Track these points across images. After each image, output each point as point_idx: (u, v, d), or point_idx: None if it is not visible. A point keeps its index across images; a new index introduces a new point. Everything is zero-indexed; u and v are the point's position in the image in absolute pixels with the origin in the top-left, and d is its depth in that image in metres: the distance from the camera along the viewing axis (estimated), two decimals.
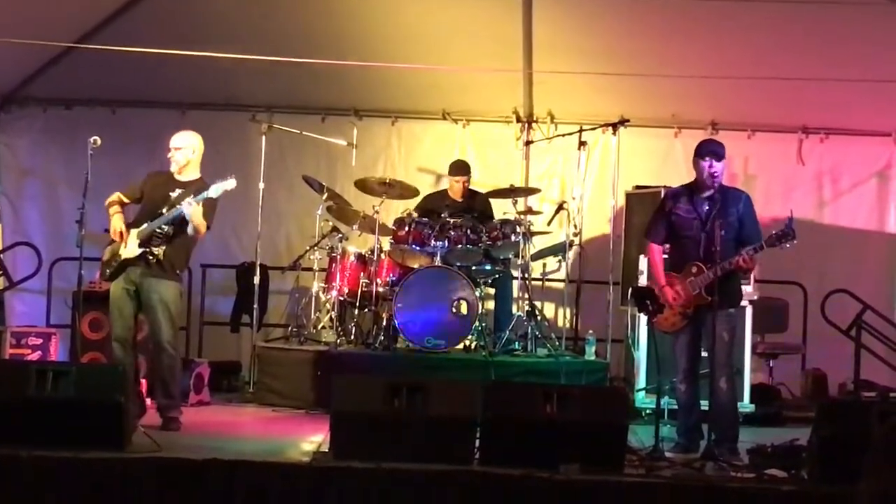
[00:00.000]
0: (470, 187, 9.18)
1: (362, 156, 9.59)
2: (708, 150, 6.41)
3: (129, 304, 6.91)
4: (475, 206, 9.01)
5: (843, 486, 4.45)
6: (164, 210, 6.83)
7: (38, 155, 10.17)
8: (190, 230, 6.80)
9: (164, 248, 6.85)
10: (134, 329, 7.03)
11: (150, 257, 6.83)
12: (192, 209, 6.70)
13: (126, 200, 7.08)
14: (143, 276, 6.86)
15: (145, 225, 6.85)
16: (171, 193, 6.90)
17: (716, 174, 6.35)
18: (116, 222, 6.92)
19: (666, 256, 6.72)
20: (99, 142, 6.75)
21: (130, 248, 6.85)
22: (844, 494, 3.98)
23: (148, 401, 7.37)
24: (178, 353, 7.15)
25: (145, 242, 6.82)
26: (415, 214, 8.62)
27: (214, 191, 6.78)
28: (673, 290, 6.42)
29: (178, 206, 6.76)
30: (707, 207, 6.39)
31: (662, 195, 6.68)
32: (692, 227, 6.41)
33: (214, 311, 9.96)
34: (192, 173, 7.04)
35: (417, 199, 9.09)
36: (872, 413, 5.56)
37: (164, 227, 6.82)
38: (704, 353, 6.53)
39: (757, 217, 6.55)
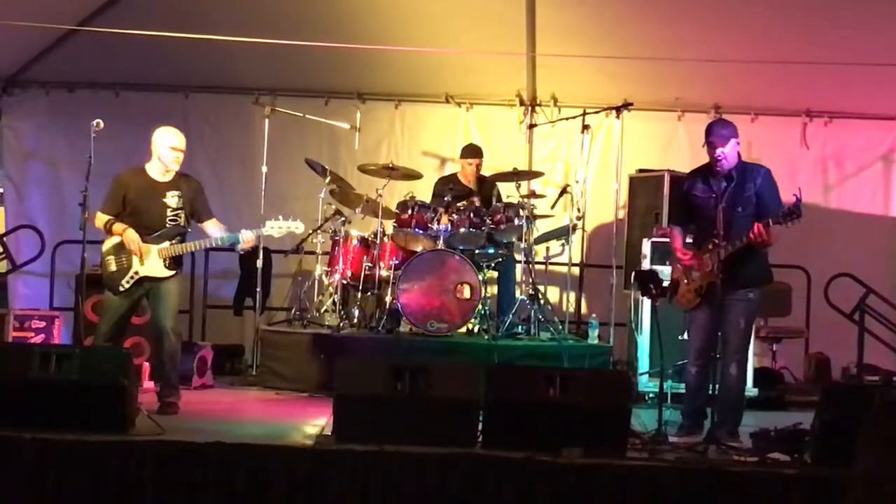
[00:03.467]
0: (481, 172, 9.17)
1: (365, 139, 9.56)
2: (707, 138, 6.38)
3: (128, 305, 6.91)
4: (482, 191, 8.99)
5: (845, 470, 4.46)
6: (170, 220, 6.87)
7: (41, 138, 10.16)
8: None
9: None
10: (126, 328, 7.04)
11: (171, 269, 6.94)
12: (248, 238, 7.00)
13: (113, 216, 6.90)
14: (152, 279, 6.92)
15: (167, 244, 6.83)
16: (164, 200, 6.89)
17: (720, 158, 6.32)
18: (133, 236, 6.77)
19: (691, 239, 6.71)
20: (102, 125, 6.74)
21: (155, 267, 6.83)
22: (847, 478, 3.98)
23: (150, 384, 7.39)
24: (180, 339, 7.13)
25: (171, 262, 6.86)
26: (417, 198, 8.61)
27: (277, 231, 7.16)
28: (690, 261, 6.43)
29: (230, 235, 6.98)
30: (724, 185, 6.36)
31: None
32: (710, 206, 6.35)
33: (218, 294, 9.94)
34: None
35: (421, 182, 9.08)
36: (875, 397, 5.56)
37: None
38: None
39: (778, 191, 6.43)
